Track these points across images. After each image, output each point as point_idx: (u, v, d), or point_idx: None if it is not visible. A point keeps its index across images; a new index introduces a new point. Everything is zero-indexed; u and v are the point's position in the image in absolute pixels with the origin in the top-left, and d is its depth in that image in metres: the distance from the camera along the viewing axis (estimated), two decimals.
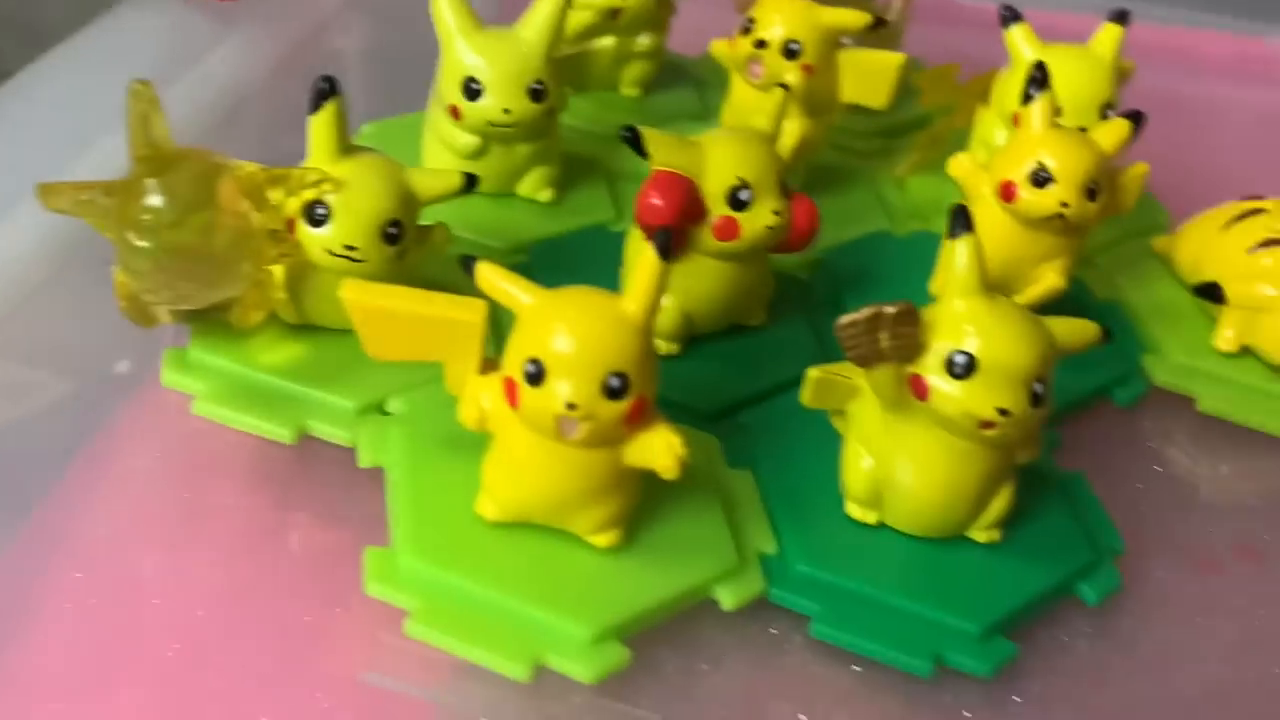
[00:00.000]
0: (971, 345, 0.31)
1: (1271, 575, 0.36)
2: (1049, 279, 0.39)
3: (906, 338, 0.31)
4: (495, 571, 0.31)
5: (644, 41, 0.49)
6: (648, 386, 0.30)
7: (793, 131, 0.43)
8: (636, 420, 0.30)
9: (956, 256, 0.32)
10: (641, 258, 0.30)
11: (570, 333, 0.29)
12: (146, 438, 0.37)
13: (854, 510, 0.34)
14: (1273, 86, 0.62)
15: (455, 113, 0.41)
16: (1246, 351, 0.41)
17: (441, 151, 0.42)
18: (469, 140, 0.41)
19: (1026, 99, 0.39)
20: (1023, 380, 0.31)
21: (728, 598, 0.32)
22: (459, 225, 0.41)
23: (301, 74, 0.52)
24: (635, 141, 0.35)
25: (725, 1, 0.49)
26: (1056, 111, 0.39)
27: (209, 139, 0.44)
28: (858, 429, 0.33)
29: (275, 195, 0.33)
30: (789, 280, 0.42)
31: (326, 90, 0.34)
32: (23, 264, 0.41)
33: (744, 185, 0.36)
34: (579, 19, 0.46)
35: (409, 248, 0.35)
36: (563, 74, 0.43)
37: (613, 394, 0.29)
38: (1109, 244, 0.46)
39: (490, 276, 0.30)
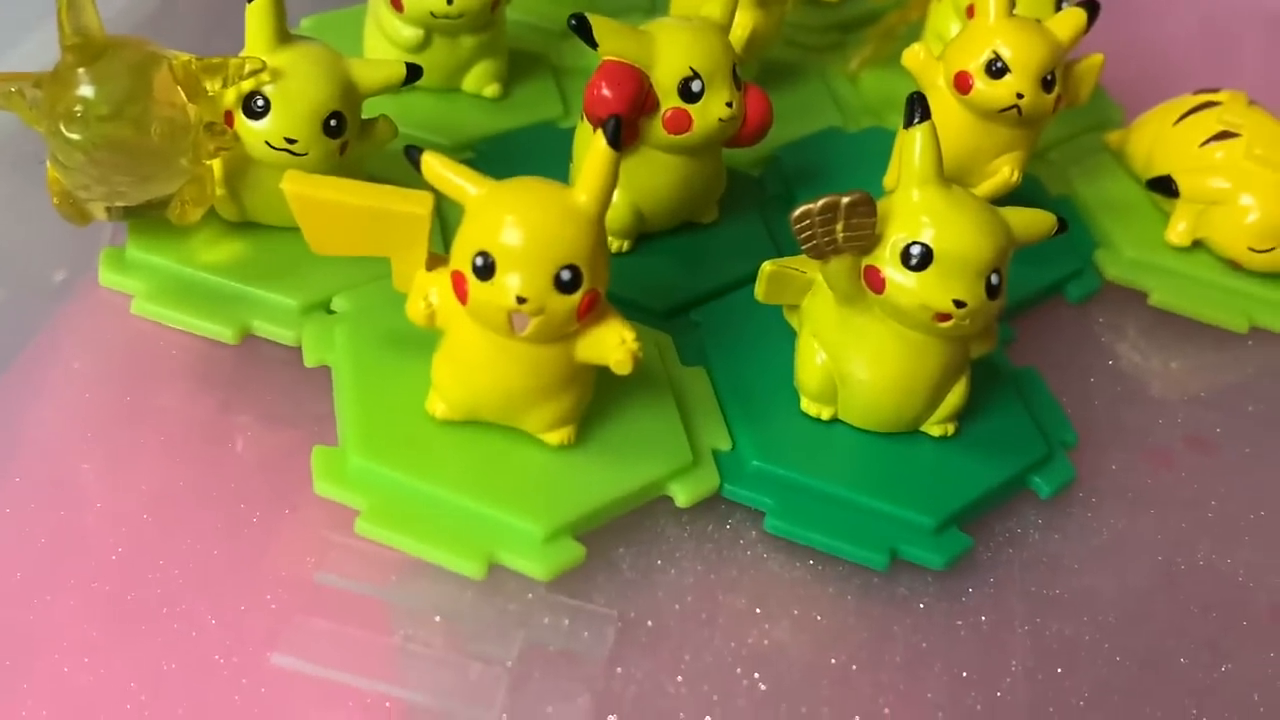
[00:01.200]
0: (927, 236, 0.30)
1: (1221, 466, 0.37)
2: (1003, 173, 0.38)
3: (862, 228, 0.30)
4: (446, 470, 0.30)
5: None
6: (600, 279, 0.29)
7: (744, 23, 0.42)
8: (588, 314, 0.29)
9: (912, 145, 0.31)
10: (591, 148, 0.29)
11: (520, 224, 0.28)
12: (86, 340, 0.36)
13: (808, 406, 0.34)
14: None
15: (397, 3, 0.40)
16: (1199, 246, 0.41)
17: (383, 44, 0.41)
18: (412, 33, 0.40)
19: None
20: (978, 271, 0.30)
21: (682, 494, 0.32)
22: (403, 121, 0.40)
23: None
24: (583, 29, 0.34)
25: None
26: (1012, 2, 0.38)
27: (142, 31, 0.43)
28: (811, 324, 0.33)
29: (212, 85, 0.32)
30: (741, 177, 0.42)
31: None
32: None
33: (696, 76, 0.35)
34: None
35: (351, 141, 0.34)
36: None
37: (564, 287, 0.28)
38: (1062, 139, 0.46)
39: (436, 167, 0.29)
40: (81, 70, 0.31)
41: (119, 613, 0.31)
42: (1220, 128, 0.41)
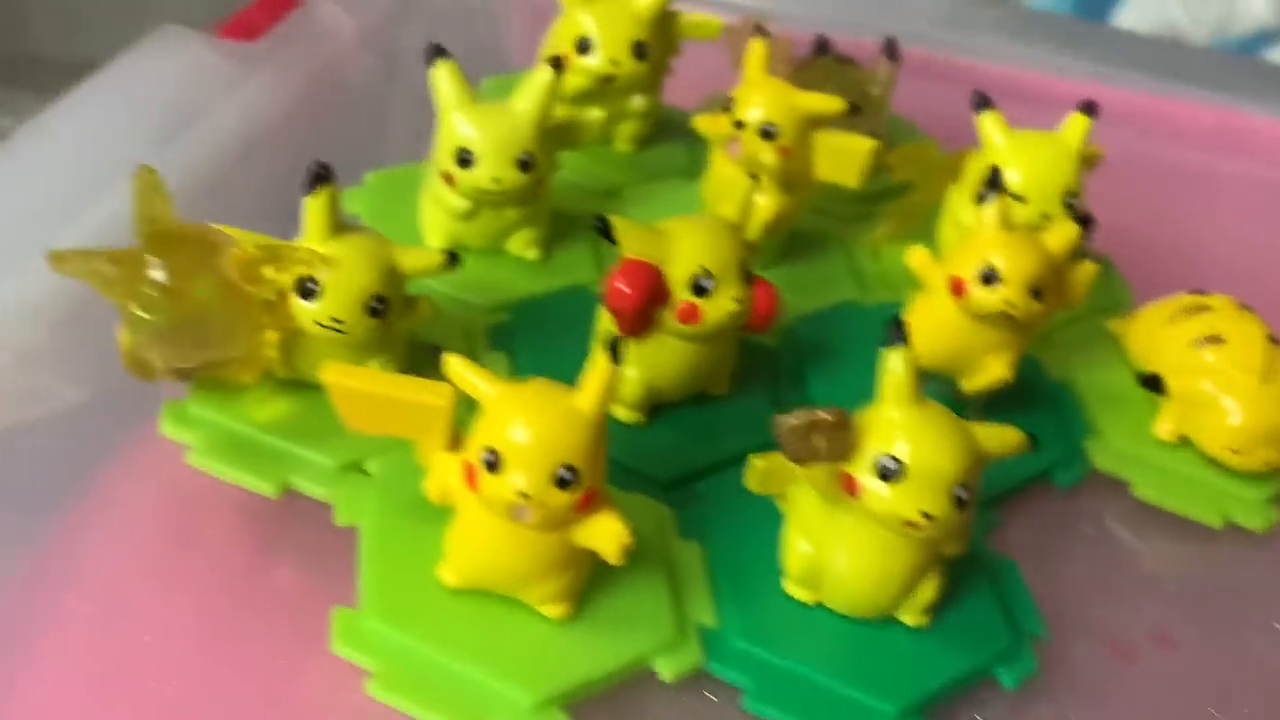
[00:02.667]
0: (900, 451, 0.33)
1: (1183, 664, 0.39)
2: (995, 370, 0.41)
3: (839, 441, 0.33)
4: (450, 636, 0.34)
5: (636, 103, 0.51)
6: (597, 478, 0.32)
7: (767, 207, 0.45)
8: (585, 508, 0.32)
9: (891, 366, 0.34)
10: (595, 360, 0.32)
11: (526, 426, 0.32)
12: (145, 472, 0.40)
13: (793, 590, 0.37)
14: (1253, 159, 0.64)
15: (449, 179, 0.43)
16: (1184, 441, 0.44)
17: (435, 210, 0.45)
18: (460, 203, 0.44)
19: (981, 199, 0.41)
20: (946, 487, 0.33)
21: (666, 669, 0.35)
22: (447, 283, 0.44)
23: (315, 116, 0.55)
24: (606, 231, 0.38)
25: (724, 54, 0.52)
26: (1016, 198, 0.41)
27: (225, 180, 0.47)
28: (797, 514, 0.36)
29: (269, 271, 0.36)
30: (756, 349, 0.45)
31: (321, 175, 0.36)
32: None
33: (706, 274, 0.38)
34: (574, 82, 0.49)
35: (393, 320, 0.38)
36: (555, 138, 0.45)
37: (563, 484, 0.32)
38: (1069, 321, 0.48)
39: (458, 368, 0.33)
40: (153, 259, 0.34)
41: None
42: (1210, 332, 0.43)
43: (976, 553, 0.39)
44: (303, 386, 0.39)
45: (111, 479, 0.40)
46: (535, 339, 0.44)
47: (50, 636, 0.36)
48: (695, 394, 0.42)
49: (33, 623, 0.36)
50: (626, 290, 0.37)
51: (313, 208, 0.37)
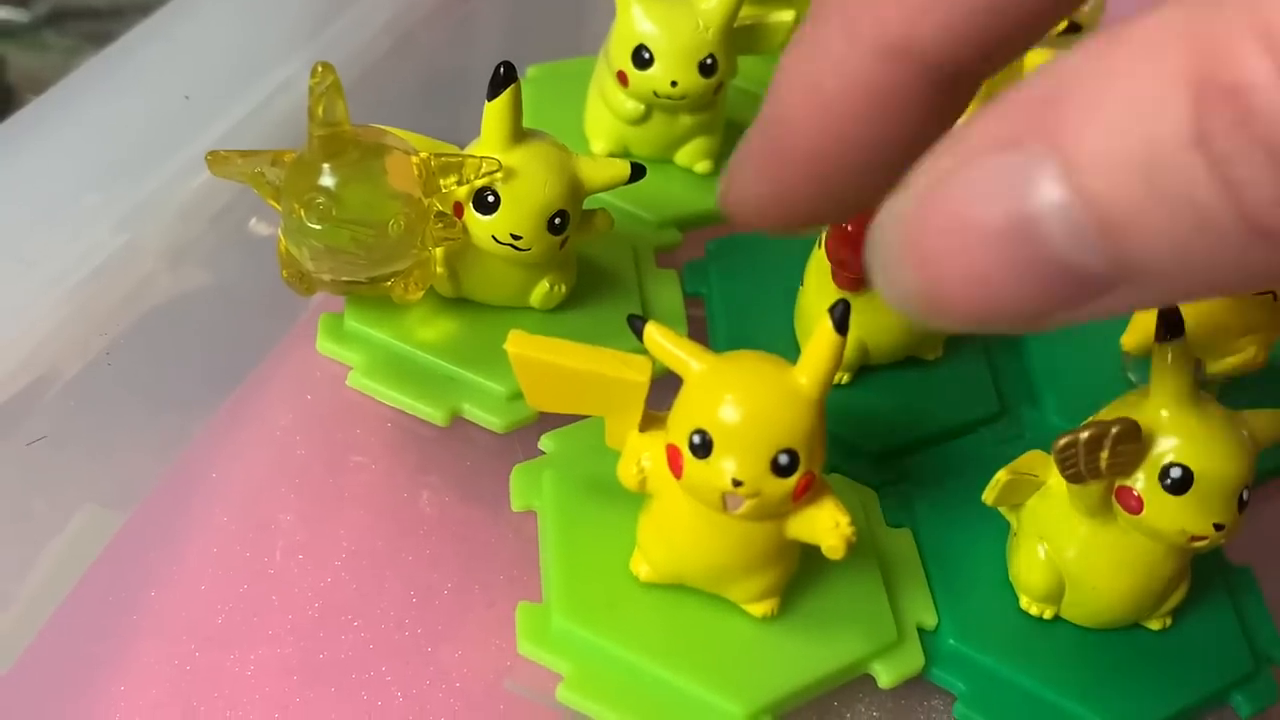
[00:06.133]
0: (1186, 457, 0.30)
1: None
2: (1250, 351, 0.37)
3: (1126, 455, 0.30)
4: (648, 638, 0.31)
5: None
6: (816, 462, 0.29)
7: None
8: (803, 496, 0.29)
9: (1165, 361, 0.31)
10: (819, 329, 0.29)
11: (740, 406, 0.28)
12: (295, 382, 0.38)
13: (1029, 605, 0.33)
14: None
15: (623, 78, 0.40)
16: None
17: (603, 112, 0.42)
18: (634, 106, 0.41)
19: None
20: (1235, 491, 0.30)
21: (885, 675, 0.32)
22: (614, 193, 0.40)
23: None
24: None
25: None
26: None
27: (378, 74, 0.44)
28: (1038, 526, 0.33)
29: (447, 183, 0.33)
30: None
31: (505, 77, 0.33)
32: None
33: None
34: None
35: (571, 235, 0.35)
36: (740, 41, 0.41)
37: (781, 471, 0.28)
38: None
39: (658, 339, 0.29)
40: (326, 164, 0.31)
41: (311, 674, 0.32)
42: None
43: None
44: (467, 306, 0.36)
45: (263, 388, 0.38)
46: (734, 283, 0.40)
47: (200, 549, 0.34)
48: (906, 357, 0.38)
49: (179, 537, 0.34)
50: (852, 230, 0.34)
51: (493, 113, 0.33)
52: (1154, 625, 0.34)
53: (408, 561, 0.34)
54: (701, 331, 0.39)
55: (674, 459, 0.29)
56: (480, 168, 0.33)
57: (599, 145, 0.42)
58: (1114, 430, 0.29)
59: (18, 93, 0.55)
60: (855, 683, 0.32)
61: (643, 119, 0.41)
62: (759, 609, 0.31)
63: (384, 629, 0.33)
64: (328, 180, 0.32)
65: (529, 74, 0.45)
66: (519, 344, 0.29)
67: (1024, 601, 0.33)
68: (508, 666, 0.32)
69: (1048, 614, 0.33)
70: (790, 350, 0.30)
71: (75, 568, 0.33)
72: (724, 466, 0.28)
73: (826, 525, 0.29)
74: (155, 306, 0.38)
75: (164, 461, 0.36)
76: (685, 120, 0.41)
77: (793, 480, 0.28)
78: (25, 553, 0.33)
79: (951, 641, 0.33)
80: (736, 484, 0.28)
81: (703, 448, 0.28)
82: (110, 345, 0.37)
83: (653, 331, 0.29)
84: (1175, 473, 0.30)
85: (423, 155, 0.33)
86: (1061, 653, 0.33)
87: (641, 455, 0.30)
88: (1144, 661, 0.33)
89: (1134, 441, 0.29)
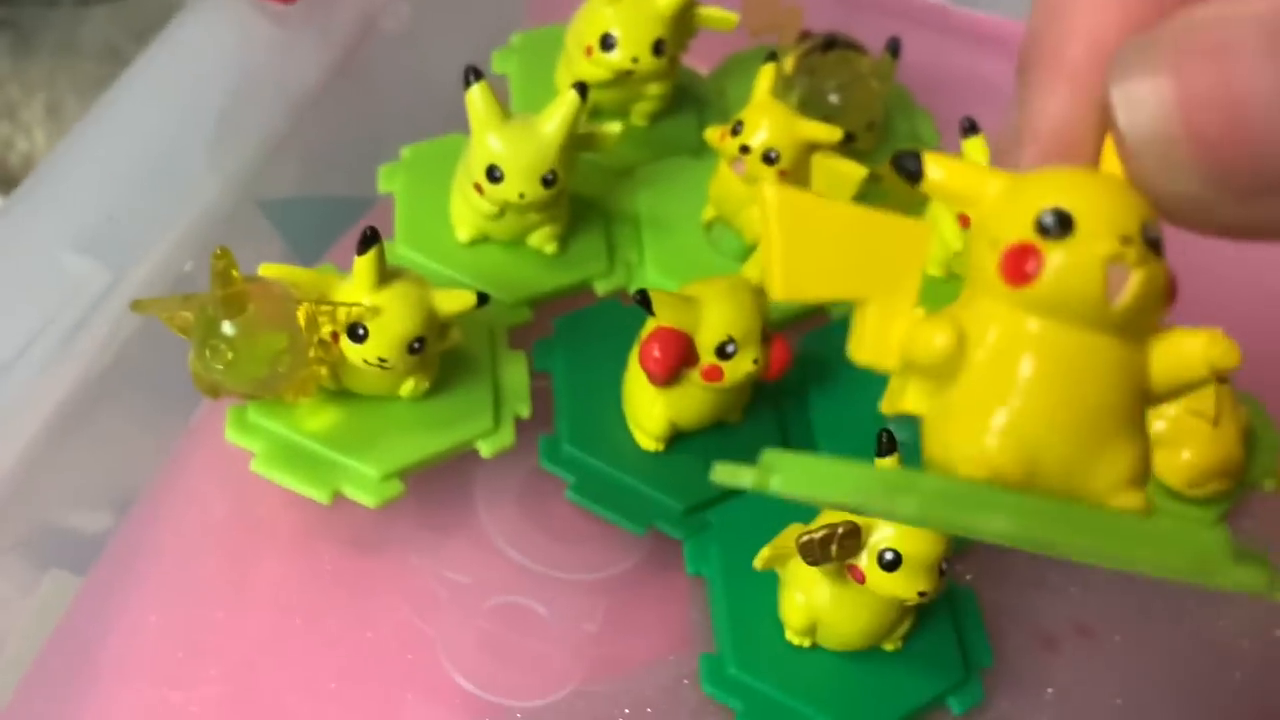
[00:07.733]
0: (896, 544, 0.40)
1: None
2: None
3: (849, 547, 0.40)
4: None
5: (652, 89, 0.54)
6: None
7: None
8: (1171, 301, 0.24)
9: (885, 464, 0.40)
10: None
11: (1091, 179, 0.24)
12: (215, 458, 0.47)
13: (791, 637, 0.43)
14: None
15: (479, 189, 0.48)
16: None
17: (465, 207, 0.49)
18: (490, 208, 0.48)
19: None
20: (935, 565, 0.40)
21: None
22: (471, 276, 0.49)
23: (357, 77, 0.58)
24: (645, 302, 0.43)
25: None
26: None
27: (280, 150, 0.51)
28: (797, 579, 0.42)
29: (325, 325, 0.41)
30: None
31: (369, 238, 0.41)
32: None
33: (731, 341, 0.43)
34: (593, 73, 0.52)
35: (430, 350, 0.43)
36: (576, 147, 0.49)
37: (1154, 247, 0.24)
38: None
39: (942, 163, 0.25)
40: (226, 321, 0.40)
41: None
42: None
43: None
44: (347, 397, 0.45)
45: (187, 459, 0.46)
46: (581, 352, 0.50)
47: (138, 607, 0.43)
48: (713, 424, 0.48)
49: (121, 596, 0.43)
50: (659, 356, 0.43)
51: (362, 264, 0.41)
52: (889, 647, 0.44)
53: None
54: (548, 403, 0.48)
55: (1019, 260, 0.23)
56: (350, 312, 0.41)
57: (463, 233, 0.50)
58: (840, 531, 0.39)
59: None
60: (646, 700, 0.42)
61: (498, 216, 0.49)
62: (1131, 500, 0.24)
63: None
64: (228, 330, 0.40)
65: (404, 155, 0.53)
66: (779, 192, 0.25)
67: (789, 634, 0.44)
68: None
69: (806, 644, 0.44)
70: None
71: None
72: (1093, 242, 0.23)
73: (1200, 341, 0.24)
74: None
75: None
76: (534, 215, 0.49)
77: (1164, 263, 0.24)
78: None
79: (732, 670, 0.43)
80: (1125, 240, 0.23)
81: (1060, 225, 0.23)
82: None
83: (932, 161, 0.25)
84: (888, 555, 0.40)
85: (306, 305, 0.41)
86: (818, 673, 0.44)
87: (938, 328, 0.24)
88: (880, 677, 0.44)
89: (856, 537, 0.40)
